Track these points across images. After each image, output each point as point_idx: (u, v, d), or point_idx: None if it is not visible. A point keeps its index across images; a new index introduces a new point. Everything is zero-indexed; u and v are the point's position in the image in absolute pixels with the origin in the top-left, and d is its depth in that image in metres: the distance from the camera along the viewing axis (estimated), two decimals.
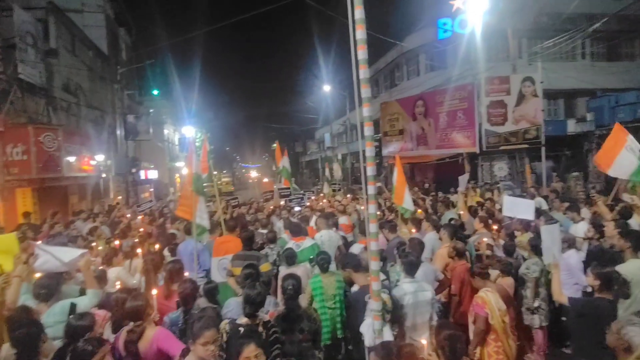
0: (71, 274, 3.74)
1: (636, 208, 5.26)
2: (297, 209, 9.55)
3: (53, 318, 3.05)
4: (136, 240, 5.89)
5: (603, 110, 16.82)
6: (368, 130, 2.72)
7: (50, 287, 3.29)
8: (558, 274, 3.69)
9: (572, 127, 17.45)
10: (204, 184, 5.84)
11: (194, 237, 4.92)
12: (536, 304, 4.72)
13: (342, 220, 7.53)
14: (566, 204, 7.38)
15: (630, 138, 5.75)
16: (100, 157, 15.57)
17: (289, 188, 11.18)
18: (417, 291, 3.56)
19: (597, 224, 5.40)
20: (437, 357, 2.59)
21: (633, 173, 5.56)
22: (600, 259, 4.56)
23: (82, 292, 3.44)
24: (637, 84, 17.54)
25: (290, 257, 4.70)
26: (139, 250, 5.04)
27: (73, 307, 3.11)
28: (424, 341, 2.63)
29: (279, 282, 4.08)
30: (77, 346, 2.46)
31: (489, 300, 3.57)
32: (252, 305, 2.96)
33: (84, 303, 3.25)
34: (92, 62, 18.10)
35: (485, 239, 5.45)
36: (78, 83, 16.18)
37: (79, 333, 2.65)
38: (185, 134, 34.23)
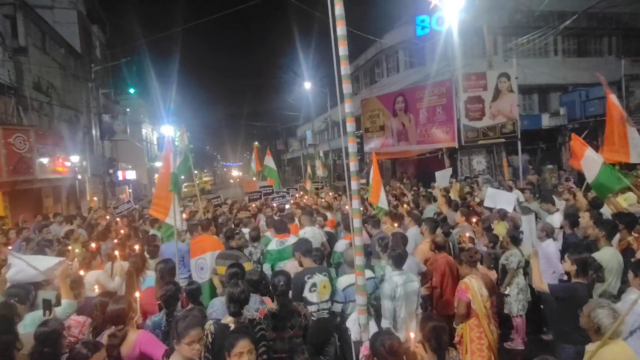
0: (49, 280, 3.61)
1: (606, 199, 5.47)
2: (287, 207, 9.49)
3: (23, 330, 2.93)
4: (115, 242, 5.74)
5: (575, 104, 17.40)
6: (350, 126, 2.73)
7: (20, 295, 3.16)
8: (537, 262, 3.83)
9: (546, 121, 17.96)
10: (185, 184, 5.74)
11: (175, 238, 4.82)
12: (507, 291, 4.89)
13: (328, 216, 7.54)
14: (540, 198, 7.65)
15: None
16: (75, 158, 15.10)
17: (271, 186, 11.13)
18: (406, 282, 3.69)
19: (570, 215, 5.61)
20: (424, 349, 2.65)
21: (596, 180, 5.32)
22: (577, 247, 4.75)
23: (59, 298, 3.32)
24: (605, 79, 18.21)
25: (306, 248, 4.53)
26: (117, 253, 4.92)
27: (47, 306, 3.00)
28: (412, 334, 2.67)
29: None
30: (74, 349, 2.41)
31: (472, 286, 3.71)
32: (237, 304, 2.93)
33: (57, 314, 3.14)
34: (64, 60, 17.50)
35: (467, 233, 5.59)
36: (50, 82, 15.61)
37: (49, 339, 2.57)
38: (163, 133, 33.52)
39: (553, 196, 7.23)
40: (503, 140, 15.95)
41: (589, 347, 2.69)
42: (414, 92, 17.92)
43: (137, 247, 5.07)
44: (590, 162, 5.36)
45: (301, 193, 12.36)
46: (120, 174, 23.08)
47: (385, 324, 3.57)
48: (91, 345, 2.43)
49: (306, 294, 3.82)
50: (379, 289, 3.87)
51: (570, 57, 19.59)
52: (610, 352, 2.52)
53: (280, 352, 3.08)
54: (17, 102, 12.91)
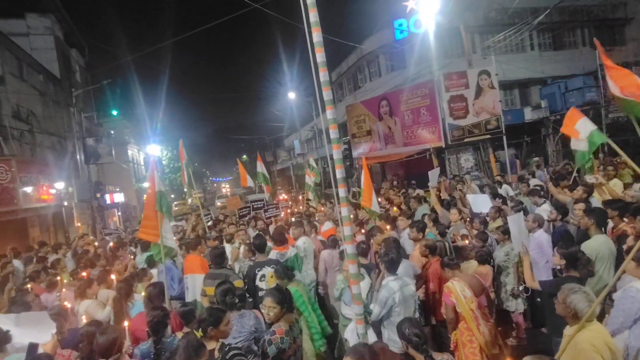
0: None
1: (599, 186, 5.51)
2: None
3: None
4: (105, 269, 5.58)
5: (555, 96, 17.74)
6: (333, 133, 2.70)
7: None
8: (528, 261, 3.84)
9: (528, 114, 18.25)
10: (175, 202, 5.58)
11: (162, 260, 4.66)
12: (521, 288, 4.83)
13: (328, 225, 7.45)
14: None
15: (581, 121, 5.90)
16: (60, 185, 14.80)
17: (262, 200, 10.98)
18: (402, 287, 3.68)
19: (559, 206, 5.64)
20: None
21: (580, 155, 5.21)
22: (566, 239, 4.76)
23: None
24: (582, 70, 18.65)
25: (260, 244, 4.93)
26: (113, 277, 4.78)
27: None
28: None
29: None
30: None
31: (454, 288, 3.69)
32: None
33: None
34: (44, 87, 17.26)
35: (461, 231, 5.57)
36: (29, 109, 15.36)
37: None
38: (150, 153, 33.17)
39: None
40: (488, 136, 16.13)
41: (567, 331, 2.72)
42: (398, 95, 18.07)
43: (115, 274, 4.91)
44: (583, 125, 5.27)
45: (290, 203, 12.25)
46: (108, 197, 22.69)
47: (388, 332, 3.52)
48: None
49: (257, 282, 4.54)
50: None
51: (546, 51, 20.03)
52: (587, 334, 2.55)
53: None
54: None
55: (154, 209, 4.71)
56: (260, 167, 11.56)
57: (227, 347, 2.81)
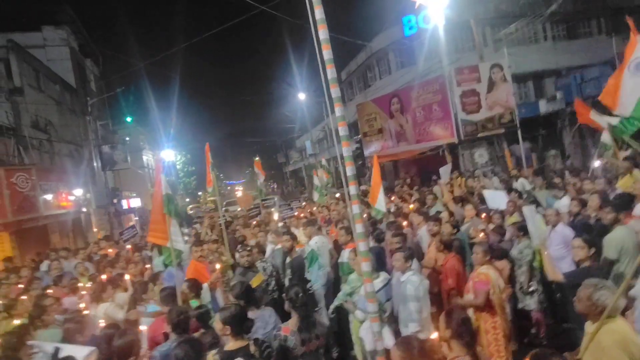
0: (47, 320, 3.48)
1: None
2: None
3: None
4: (119, 274, 5.66)
5: (571, 87, 17.31)
6: (343, 130, 2.68)
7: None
8: (547, 253, 3.75)
9: (543, 107, 17.85)
10: (190, 206, 5.59)
11: (174, 263, 4.66)
12: (532, 288, 4.72)
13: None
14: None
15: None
16: (78, 192, 15.17)
17: (272, 198, 11.07)
18: (422, 280, 3.72)
19: (580, 198, 5.50)
20: (449, 348, 2.51)
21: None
22: (588, 231, 4.63)
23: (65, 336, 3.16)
24: (598, 59, 18.15)
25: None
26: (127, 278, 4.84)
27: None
28: (434, 335, 2.57)
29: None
30: None
31: (492, 276, 3.72)
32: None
33: None
34: (60, 96, 17.71)
35: (479, 226, 5.48)
36: (47, 119, 15.78)
37: None
38: (164, 158, 33.69)
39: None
40: (502, 130, 15.85)
41: (588, 328, 2.59)
42: (408, 92, 17.90)
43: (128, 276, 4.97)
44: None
45: (304, 204, 12.25)
46: (124, 202, 23.14)
47: (413, 327, 3.48)
48: None
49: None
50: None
51: (560, 41, 19.57)
52: (610, 331, 2.43)
53: None
54: (16, 142, 13.04)
55: (162, 213, 4.70)
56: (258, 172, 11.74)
57: (260, 342, 2.82)
